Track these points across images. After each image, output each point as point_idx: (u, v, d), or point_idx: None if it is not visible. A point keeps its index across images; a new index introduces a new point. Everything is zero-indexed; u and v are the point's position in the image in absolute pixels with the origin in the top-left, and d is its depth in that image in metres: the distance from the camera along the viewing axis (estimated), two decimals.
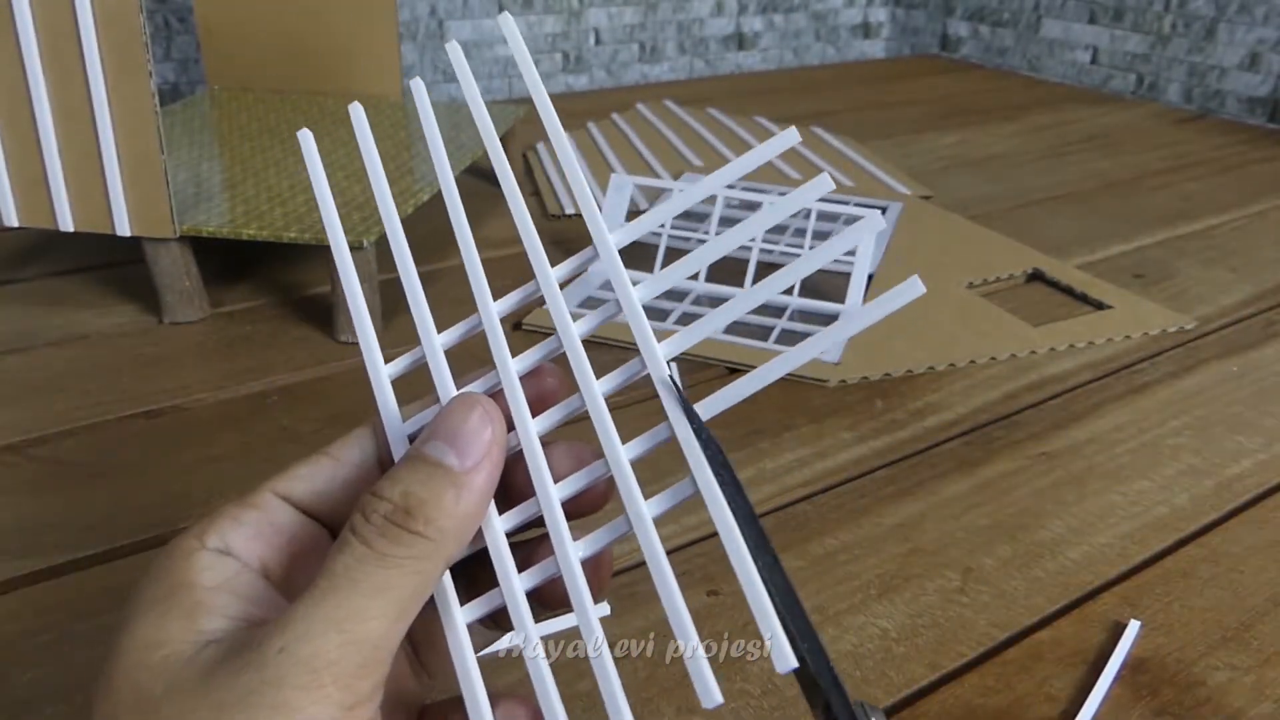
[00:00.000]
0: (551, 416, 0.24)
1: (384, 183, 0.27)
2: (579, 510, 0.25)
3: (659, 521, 0.22)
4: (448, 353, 0.26)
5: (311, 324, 0.73)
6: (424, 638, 0.26)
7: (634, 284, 0.25)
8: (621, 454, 0.23)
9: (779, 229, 0.89)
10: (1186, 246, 0.92)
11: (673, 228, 0.84)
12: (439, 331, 0.26)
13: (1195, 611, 0.47)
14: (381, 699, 0.21)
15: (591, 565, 0.23)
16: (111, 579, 0.48)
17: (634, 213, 0.93)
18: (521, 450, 0.24)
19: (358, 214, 0.72)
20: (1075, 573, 0.49)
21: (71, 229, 0.69)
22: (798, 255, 0.81)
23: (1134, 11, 1.47)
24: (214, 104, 0.99)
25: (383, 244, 0.70)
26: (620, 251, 0.26)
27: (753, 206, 0.90)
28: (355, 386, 0.65)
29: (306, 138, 0.27)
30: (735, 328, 0.72)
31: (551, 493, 0.23)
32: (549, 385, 0.26)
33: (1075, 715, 0.41)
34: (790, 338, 0.72)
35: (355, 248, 0.67)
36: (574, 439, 0.26)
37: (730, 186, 0.95)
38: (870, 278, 0.79)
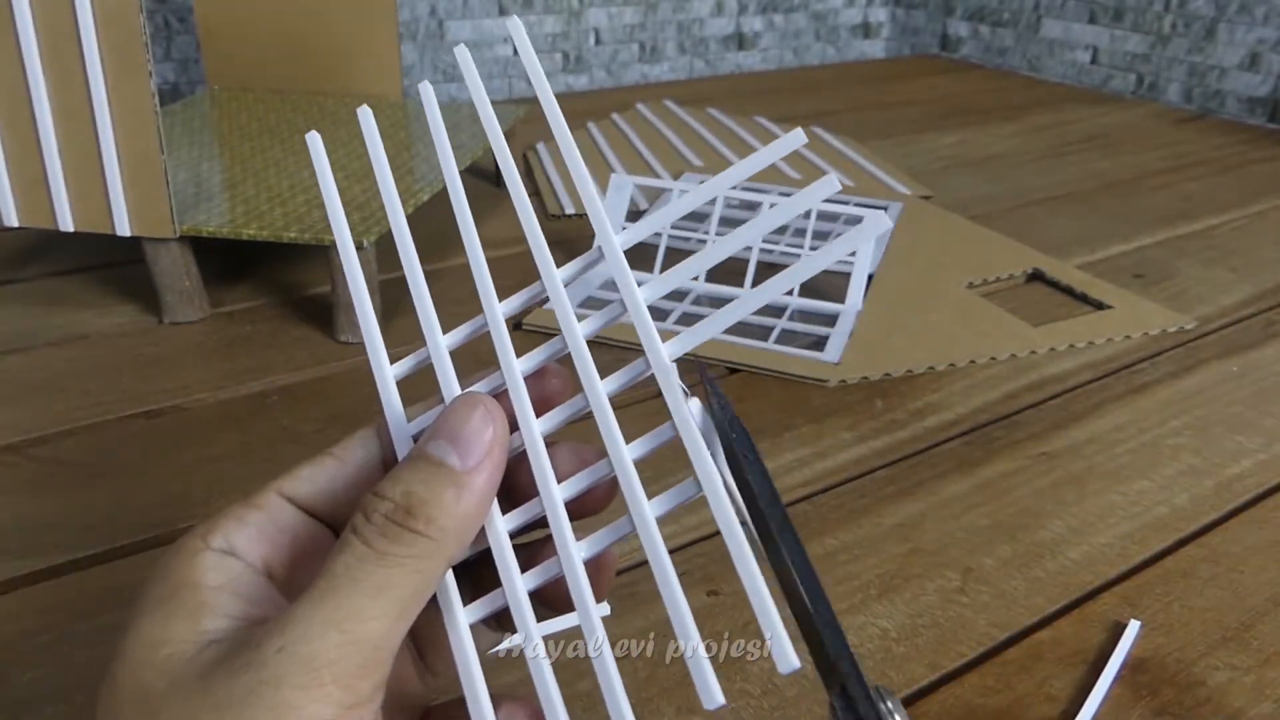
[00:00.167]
0: (555, 417, 0.24)
1: (392, 186, 0.27)
2: (582, 511, 0.25)
3: (661, 521, 0.22)
4: (451, 353, 0.26)
5: (311, 324, 0.73)
6: (428, 638, 0.26)
7: (638, 285, 0.25)
8: (625, 454, 0.23)
9: (779, 229, 0.89)
10: (1186, 246, 0.92)
11: (672, 228, 0.84)
12: (442, 332, 0.26)
13: (1195, 611, 0.47)
14: (383, 699, 0.21)
15: (594, 565, 0.23)
16: (111, 579, 0.48)
17: (634, 213, 0.93)
18: (525, 451, 0.24)
19: (357, 214, 0.72)
20: (1075, 573, 0.49)
21: (71, 229, 0.69)
22: (798, 255, 0.81)
23: (1134, 11, 1.47)
24: (214, 104, 0.99)
25: (381, 244, 0.70)
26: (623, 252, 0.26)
27: (753, 207, 0.90)
28: (355, 386, 0.65)
29: (315, 140, 0.27)
30: (735, 328, 0.72)
31: (555, 493, 0.23)
32: (554, 386, 0.26)
33: (1075, 715, 0.41)
34: (790, 337, 0.72)
35: (356, 248, 0.67)
36: (578, 440, 0.26)
37: (731, 187, 0.95)
38: (870, 278, 0.79)
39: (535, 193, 1.02)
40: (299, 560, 0.24)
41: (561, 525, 0.23)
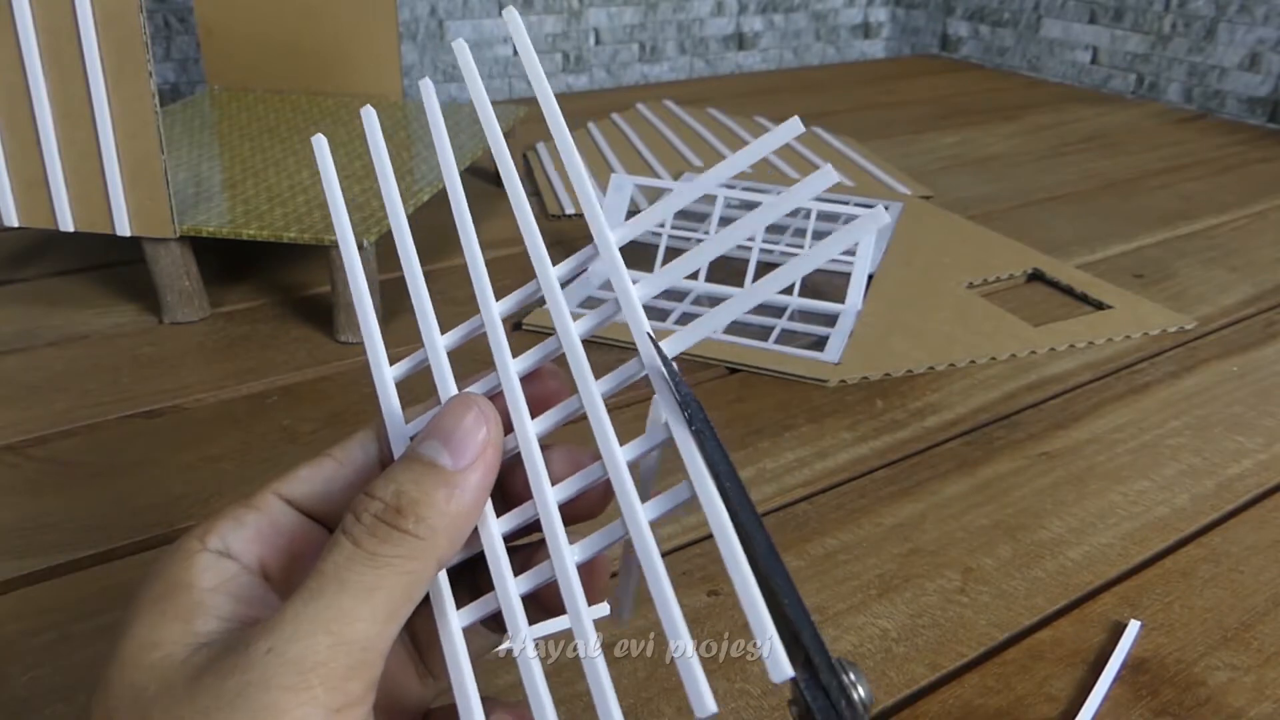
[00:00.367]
0: (550, 418, 0.24)
1: (395, 188, 0.27)
2: (577, 515, 0.25)
3: (658, 521, 0.22)
4: (451, 354, 0.26)
5: (311, 324, 0.73)
6: (429, 639, 0.26)
7: (633, 283, 0.25)
8: (619, 455, 0.23)
9: (779, 229, 0.89)
10: (1186, 246, 0.92)
11: (672, 228, 0.84)
12: (440, 333, 0.26)
13: (1195, 611, 0.47)
14: (374, 701, 0.21)
15: (586, 568, 0.23)
16: (111, 579, 0.48)
17: (634, 213, 0.93)
18: (520, 453, 0.24)
19: (357, 214, 0.72)
20: (1075, 573, 0.49)
21: (71, 229, 0.69)
22: (798, 255, 0.81)
23: (1134, 11, 1.47)
24: (214, 104, 0.99)
25: (380, 244, 0.70)
26: (620, 251, 0.26)
27: (752, 206, 0.90)
28: (355, 386, 0.65)
29: (321, 143, 0.27)
30: (735, 328, 0.72)
31: (548, 495, 0.23)
32: (550, 387, 0.26)
33: (1075, 715, 0.41)
34: (790, 337, 0.72)
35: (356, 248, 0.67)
36: (572, 442, 0.25)
37: (730, 186, 0.95)
38: (870, 278, 0.79)
39: (535, 192, 1.02)
40: (296, 562, 0.24)
41: (554, 528, 0.23)
